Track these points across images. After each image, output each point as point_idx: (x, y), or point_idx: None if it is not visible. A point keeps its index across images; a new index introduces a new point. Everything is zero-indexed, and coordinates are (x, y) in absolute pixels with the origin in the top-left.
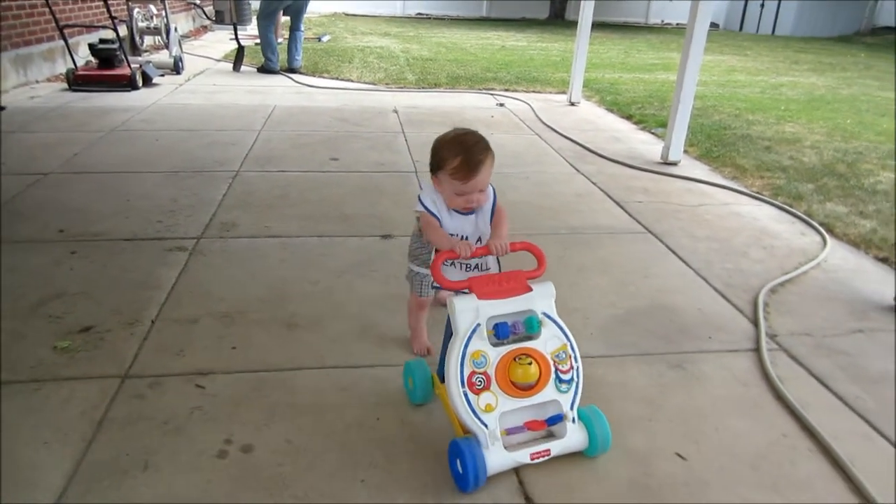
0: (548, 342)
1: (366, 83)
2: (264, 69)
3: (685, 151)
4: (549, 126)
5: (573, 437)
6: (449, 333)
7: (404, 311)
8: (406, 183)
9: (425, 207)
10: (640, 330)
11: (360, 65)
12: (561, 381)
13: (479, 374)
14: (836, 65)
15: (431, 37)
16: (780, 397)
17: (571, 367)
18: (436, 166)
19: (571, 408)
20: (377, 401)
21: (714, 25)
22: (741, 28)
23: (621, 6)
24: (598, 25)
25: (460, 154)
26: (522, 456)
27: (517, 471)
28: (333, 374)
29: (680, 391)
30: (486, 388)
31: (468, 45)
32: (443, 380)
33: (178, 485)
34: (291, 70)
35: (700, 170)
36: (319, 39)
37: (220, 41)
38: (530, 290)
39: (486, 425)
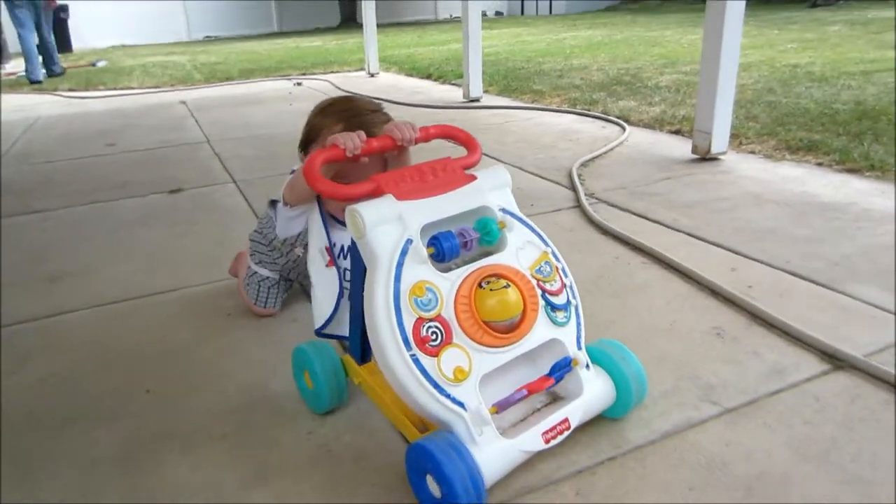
0: (520, 254)
1: (148, 87)
2: (30, 81)
3: (485, 91)
4: (349, 92)
5: (594, 391)
6: (359, 273)
7: (200, 242)
8: (198, 150)
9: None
10: None
11: (141, 74)
12: (554, 307)
13: (431, 321)
14: (608, 23)
15: (221, 49)
16: (606, 232)
17: (563, 286)
18: (308, 140)
19: (579, 346)
20: (167, 321)
21: (498, 13)
22: (522, 13)
23: (410, 6)
24: (390, 25)
25: (346, 117)
26: (532, 441)
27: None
28: (111, 309)
29: None
30: (447, 341)
31: (261, 49)
32: (362, 359)
33: None
34: (52, 74)
35: (502, 101)
36: (94, 65)
37: None
38: (473, 178)
39: (462, 405)
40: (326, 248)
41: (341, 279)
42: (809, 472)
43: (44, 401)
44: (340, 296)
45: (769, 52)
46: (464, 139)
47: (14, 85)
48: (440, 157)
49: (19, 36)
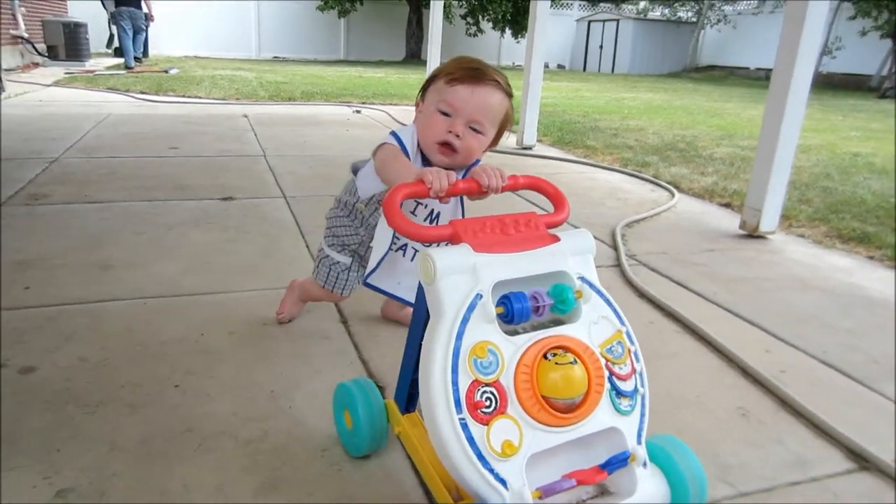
0: (592, 328)
1: (215, 98)
2: (126, 67)
3: (539, 140)
4: (405, 125)
5: (647, 491)
6: (420, 324)
7: (246, 251)
8: (254, 163)
9: (397, 138)
10: None
11: (209, 85)
12: (620, 393)
13: (487, 385)
14: (669, 88)
15: (287, 69)
16: (643, 296)
17: (633, 371)
18: (429, 82)
19: (639, 441)
20: (204, 322)
21: (561, 66)
22: (584, 68)
23: (475, 50)
24: None
25: (466, 63)
26: None
27: None
28: (153, 303)
29: None
30: (501, 410)
31: (325, 74)
32: (406, 408)
33: None
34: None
35: (554, 152)
36: (167, 72)
37: (54, 76)
38: (556, 239)
39: (504, 484)
40: None
41: (393, 236)
42: None
43: (79, 381)
44: (388, 250)
45: (831, 136)
46: (553, 195)
47: (91, 81)
48: (525, 211)
49: (121, 39)
